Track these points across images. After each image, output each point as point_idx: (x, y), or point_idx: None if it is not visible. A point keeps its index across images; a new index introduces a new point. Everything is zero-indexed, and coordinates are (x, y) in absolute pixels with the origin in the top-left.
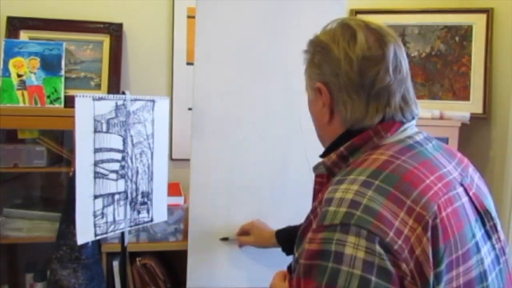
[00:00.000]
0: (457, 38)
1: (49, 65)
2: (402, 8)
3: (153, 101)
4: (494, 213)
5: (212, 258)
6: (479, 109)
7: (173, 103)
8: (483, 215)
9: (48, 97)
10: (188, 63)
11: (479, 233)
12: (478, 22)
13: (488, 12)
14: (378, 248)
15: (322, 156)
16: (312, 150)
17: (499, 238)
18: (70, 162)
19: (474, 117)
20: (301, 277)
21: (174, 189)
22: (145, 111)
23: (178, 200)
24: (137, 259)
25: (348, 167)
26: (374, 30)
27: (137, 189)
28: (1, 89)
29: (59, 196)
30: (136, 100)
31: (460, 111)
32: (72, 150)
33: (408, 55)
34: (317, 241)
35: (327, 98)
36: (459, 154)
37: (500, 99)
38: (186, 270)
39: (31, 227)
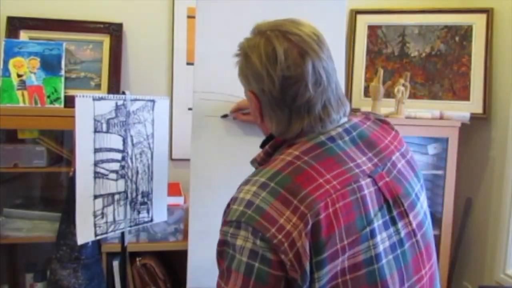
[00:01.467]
0: (457, 38)
1: (49, 65)
2: (402, 8)
3: (153, 101)
4: (411, 199)
5: (212, 258)
6: (479, 109)
7: (173, 103)
8: (390, 203)
9: (48, 97)
10: (188, 63)
11: (380, 221)
12: (478, 22)
13: (488, 12)
14: (259, 242)
15: (261, 146)
16: None
17: (409, 222)
18: (70, 162)
19: (474, 117)
20: (218, 258)
21: (174, 189)
22: (145, 111)
23: (178, 200)
24: (137, 259)
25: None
26: (294, 43)
27: (137, 189)
28: (1, 89)
29: (59, 196)
30: (136, 100)
31: (460, 111)
32: (72, 150)
33: (408, 55)
34: (221, 233)
35: (257, 106)
36: (387, 140)
37: (500, 99)
38: (186, 270)
39: (31, 227)
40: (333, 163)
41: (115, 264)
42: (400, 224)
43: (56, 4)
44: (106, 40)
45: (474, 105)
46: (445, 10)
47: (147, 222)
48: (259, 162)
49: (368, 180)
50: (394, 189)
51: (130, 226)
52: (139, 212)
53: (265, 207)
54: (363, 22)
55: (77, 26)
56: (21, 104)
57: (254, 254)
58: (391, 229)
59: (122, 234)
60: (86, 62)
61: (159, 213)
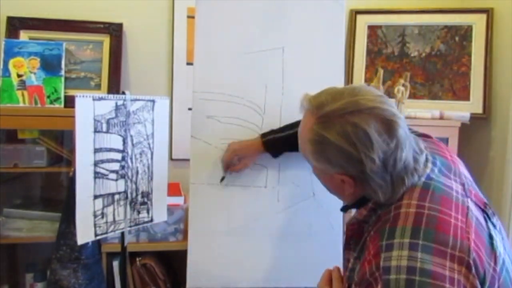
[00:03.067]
0: (457, 38)
1: (49, 65)
2: (402, 8)
3: (153, 101)
4: (485, 198)
5: (212, 258)
6: (479, 109)
7: (173, 103)
8: (485, 210)
9: (48, 97)
10: (188, 63)
11: (492, 230)
12: (478, 22)
13: (488, 12)
14: None
15: (343, 210)
16: None
17: (497, 218)
18: (70, 162)
19: (474, 117)
20: None
21: (174, 189)
22: (145, 111)
23: (178, 200)
24: (137, 259)
25: (379, 221)
26: (381, 119)
27: (137, 189)
28: (1, 89)
29: (59, 196)
30: (136, 100)
31: (460, 111)
32: (72, 150)
33: (408, 55)
34: None
35: (351, 186)
36: (448, 155)
37: (500, 99)
38: (186, 270)
39: (31, 227)
40: (446, 199)
41: (115, 264)
42: (495, 224)
43: (56, 4)
44: (106, 40)
45: (474, 105)
46: (445, 10)
47: (147, 222)
48: (363, 220)
49: (468, 199)
50: (479, 197)
51: (130, 226)
52: (139, 212)
53: (429, 267)
54: (363, 22)
55: (77, 26)
56: (21, 104)
57: None
58: (496, 231)
59: (122, 234)
60: (86, 62)
61: (159, 213)
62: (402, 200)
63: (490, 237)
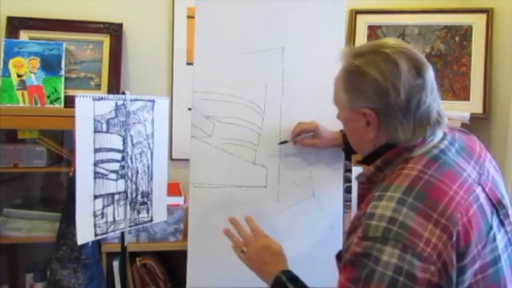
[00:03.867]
0: (457, 38)
1: (49, 65)
2: (402, 8)
3: (153, 101)
4: (505, 200)
5: (212, 258)
6: (479, 109)
7: (173, 103)
8: (497, 206)
9: (48, 97)
10: (188, 63)
11: (495, 223)
12: (478, 22)
13: (488, 12)
14: (409, 257)
15: (361, 162)
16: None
17: (510, 222)
18: (70, 162)
19: (474, 117)
20: (348, 265)
21: (174, 189)
22: (145, 111)
23: (178, 200)
24: (137, 259)
25: (384, 180)
26: (411, 57)
27: (137, 189)
28: (1, 89)
29: (59, 196)
30: (136, 100)
31: (460, 111)
32: (72, 150)
33: None
34: (362, 246)
35: (374, 122)
36: (477, 149)
37: (500, 99)
38: (186, 270)
39: (31, 227)
40: (453, 174)
41: (115, 264)
42: (506, 225)
43: (56, 4)
44: (106, 40)
45: (474, 105)
46: (445, 10)
47: (147, 222)
48: (369, 177)
49: (479, 188)
50: (495, 194)
51: (130, 226)
52: (139, 212)
53: (409, 222)
54: (363, 22)
55: (77, 26)
56: (21, 104)
57: (399, 270)
58: (502, 231)
59: (122, 234)
60: (86, 62)
61: (159, 213)
62: (408, 163)
63: (490, 227)
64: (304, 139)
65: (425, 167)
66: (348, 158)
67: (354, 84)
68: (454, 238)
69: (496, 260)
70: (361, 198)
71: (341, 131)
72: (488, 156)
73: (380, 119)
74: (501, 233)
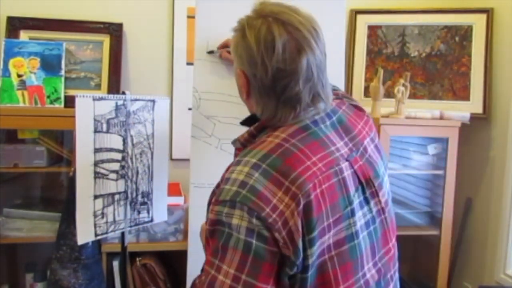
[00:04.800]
0: (457, 38)
1: (49, 65)
2: (402, 8)
3: (153, 101)
4: (379, 180)
5: None
6: (479, 109)
7: (173, 103)
8: (364, 184)
9: (48, 97)
10: (188, 63)
11: (357, 200)
12: (478, 22)
13: (488, 12)
14: (255, 220)
15: (242, 123)
16: None
17: (379, 201)
18: (70, 162)
19: (474, 117)
20: (208, 238)
21: (174, 189)
22: (145, 111)
23: (178, 200)
24: (137, 259)
25: (248, 147)
26: (293, 37)
27: (137, 189)
28: (1, 89)
29: (59, 196)
30: (136, 100)
31: (460, 111)
32: (72, 150)
33: (408, 55)
34: (214, 212)
35: (244, 84)
36: (359, 126)
37: (500, 99)
38: (186, 270)
39: (31, 227)
40: (318, 146)
41: (115, 264)
42: (372, 203)
43: (56, 4)
44: (106, 40)
45: (474, 105)
46: (445, 10)
47: (147, 222)
48: (242, 143)
49: (346, 163)
50: (366, 171)
51: (130, 226)
52: (139, 212)
53: (259, 187)
54: (363, 22)
55: (77, 26)
56: (21, 104)
57: (251, 232)
58: (365, 208)
59: (122, 234)
60: (86, 62)
61: (159, 213)
62: (275, 131)
63: (350, 202)
64: (225, 51)
65: (290, 136)
66: None
67: (237, 45)
68: (301, 206)
69: (353, 236)
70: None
71: None
72: (371, 134)
73: (249, 85)
74: (363, 211)
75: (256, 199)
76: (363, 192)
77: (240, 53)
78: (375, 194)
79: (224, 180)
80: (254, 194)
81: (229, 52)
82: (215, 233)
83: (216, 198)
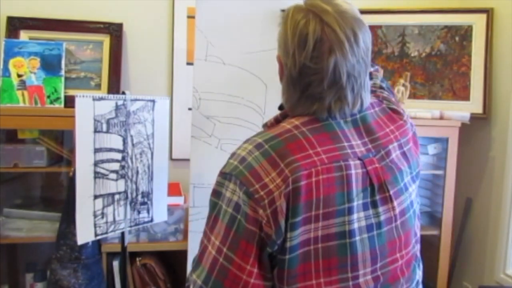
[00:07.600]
0: (457, 38)
1: (49, 65)
2: (402, 8)
3: (153, 101)
4: (396, 187)
5: None
6: (479, 109)
7: (173, 103)
8: (375, 187)
9: (48, 97)
10: (188, 63)
11: (360, 201)
12: (478, 22)
13: (488, 12)
14: (242, 195)
15: (279, 108)
16: None
17: (392, 207)
18: (70, 162)
19: (474, 117)
20: (209, 206)
21: (174, 189)
22: (145, 111)
23: (178, 200)
24: (137, 259)
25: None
26: (327, 37)
27: (137, 189)
28: (1, 89)
29: (59, 196)
30: (136, 100)
31: (460, 111)
32: (72, 150)
33: (408, 55)
34: (216, 183)
35: (280, 70)
36: (387, 129)
37: (500, 99)
38: (186, 270)
39: (31, 227)
40: (327, 138)
41: (115, 264)
42: (381, 208)
43: (56, 4)
44: (106, 40)
45: (474, 105)
46: (445, 10)
47: (147, 222)
48: (269, 127)
49: (358, 162)
50: (382, 175)
51: (130, 226)
52: (139, 212)
53: (255, 164)
54: None
55: (77, 26)
56: (21, 104)
57: (238, 207)
58: (370, 211)
59: (122, 234)
60: (86, 62)
61: (159, 213)
62: (293, 118)
63: (349, 200)
64: None
65: (303, 124)
66: None
67: (280, 32)
68: (289, 189)
69: (345, 234)
70: None
71: None
72: (401, 140)
73: (282, 72)
74: (365, 213)
75: (248, 174)
76: (372, 195)
77: (279, 40)
78: (389, 200)
79: (232, 154)
80: (248, 170)
81: None
82: (211, 203)
83: (221, 170)
